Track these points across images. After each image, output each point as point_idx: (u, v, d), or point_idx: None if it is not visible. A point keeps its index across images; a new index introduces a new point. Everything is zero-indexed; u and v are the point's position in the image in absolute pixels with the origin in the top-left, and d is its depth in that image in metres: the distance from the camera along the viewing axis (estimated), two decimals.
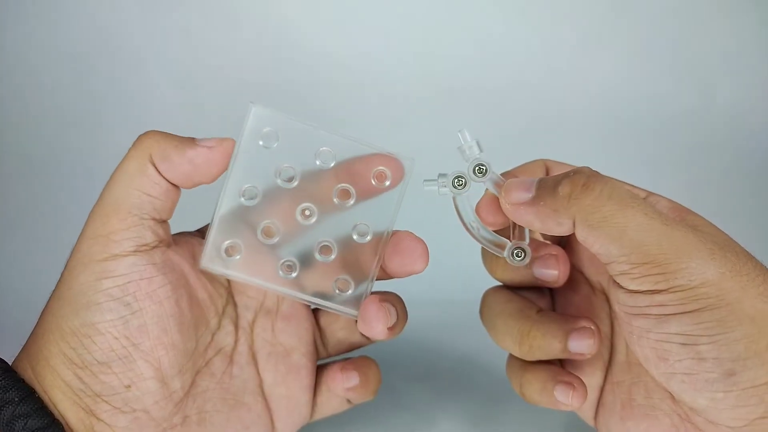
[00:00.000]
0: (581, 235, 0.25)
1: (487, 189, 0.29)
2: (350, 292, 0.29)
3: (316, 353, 0.33)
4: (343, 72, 0.64)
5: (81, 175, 0.59)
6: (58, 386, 0.26)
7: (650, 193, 0.29)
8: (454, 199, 0.29)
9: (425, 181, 0.29)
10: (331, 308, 0.30)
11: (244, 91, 0.62)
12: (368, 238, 0.29)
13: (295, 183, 0.29)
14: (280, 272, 0.29)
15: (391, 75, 0.64)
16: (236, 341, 0.31)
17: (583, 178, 0.25)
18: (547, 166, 0.32)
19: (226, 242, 0.28)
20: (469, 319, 0.37)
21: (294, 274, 0.29)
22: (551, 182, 0.26)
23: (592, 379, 0.31)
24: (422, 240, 0.29)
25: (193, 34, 0.62)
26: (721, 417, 0.24)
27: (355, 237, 0.29)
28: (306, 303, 0.31)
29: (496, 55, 0.64)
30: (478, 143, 0.29)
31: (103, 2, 0.61)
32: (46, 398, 0.26)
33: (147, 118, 0.61)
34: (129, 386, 0.26)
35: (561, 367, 0.31)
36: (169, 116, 0.62)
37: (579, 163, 0.31)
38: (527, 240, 0.29)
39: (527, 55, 0.65)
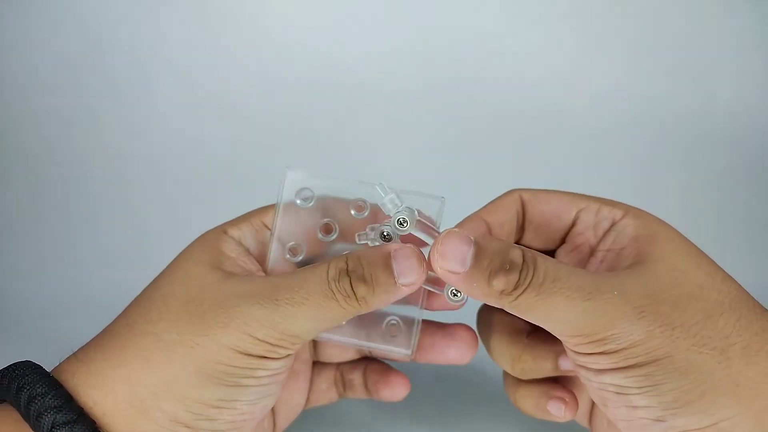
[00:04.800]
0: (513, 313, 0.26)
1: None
2: (401, 332, 0.31)
3: (311, 358, 0.35)
4: (344, 72, 0.64)
5: (80, 175, 0.59)
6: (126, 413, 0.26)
7: (627, 211, 0.29)
8: None
9: (357, 234, 0.29)
10: (386, 351, 0.31)
11: (244, 91, 0.62)
12: None
13: (335, 235, 0.30)
14: (344, 322, 0.29)
15: (392, 76, 0.64)
16: None
17: (515, 275, 0.25)
18: (522, 199, 0.31)
19: None
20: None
21: (345, 321, 0.29)
22: (486, 268, 0.25)
23: (583, 393, 0.32)
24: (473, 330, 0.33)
25: (193, 34, 0.62)
26: None
27: None
28: (363, 349, 0.32)
29: (495, 57, 0.64)
30: (397, 194, 0.27)
31: (103, 2, 0.61)
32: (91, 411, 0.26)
33: (147, 118, 0.61)
34: None
35: (554, 380, 0.32)
36: (169, 116, 0.62)
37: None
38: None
39: (526, 56, 0.65)
